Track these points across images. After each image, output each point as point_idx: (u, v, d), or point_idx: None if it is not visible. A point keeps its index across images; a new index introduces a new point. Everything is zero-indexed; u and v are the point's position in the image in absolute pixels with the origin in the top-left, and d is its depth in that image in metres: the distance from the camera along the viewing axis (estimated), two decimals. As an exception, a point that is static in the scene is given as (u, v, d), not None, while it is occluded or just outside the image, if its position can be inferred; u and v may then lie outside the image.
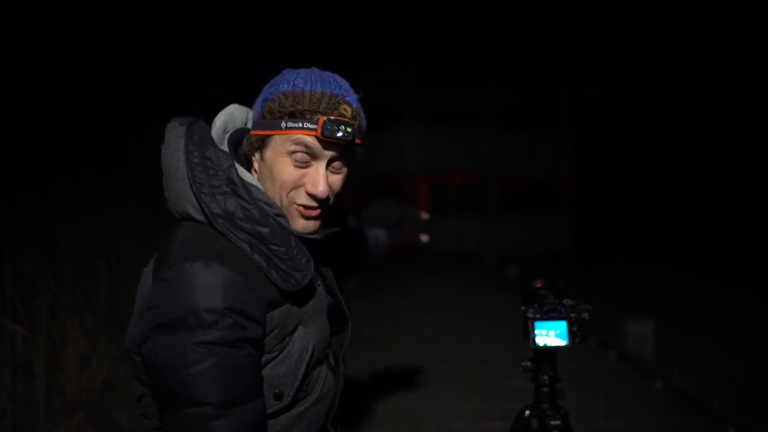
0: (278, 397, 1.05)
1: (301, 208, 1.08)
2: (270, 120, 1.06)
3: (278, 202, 1.07)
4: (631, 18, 27.05)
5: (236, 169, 1.05)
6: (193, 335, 0.94)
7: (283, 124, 1.04)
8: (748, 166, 23.08)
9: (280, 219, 1.06)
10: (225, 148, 1.13)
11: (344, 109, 1.06)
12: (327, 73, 1.10)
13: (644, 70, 26.68)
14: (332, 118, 1.03)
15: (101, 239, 3.92)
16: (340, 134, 1.03)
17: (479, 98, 19.57)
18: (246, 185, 1.04)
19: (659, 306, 8.28)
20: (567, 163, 20.37)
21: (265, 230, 1.02)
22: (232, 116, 1.17)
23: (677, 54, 26.01)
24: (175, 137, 1.07)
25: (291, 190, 1.07)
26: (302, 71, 1.09)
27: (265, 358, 1.04)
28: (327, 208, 1.11)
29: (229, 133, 1.16)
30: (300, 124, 1.03)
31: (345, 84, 1.11)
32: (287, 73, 1.09)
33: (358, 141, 1.09)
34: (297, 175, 1.06)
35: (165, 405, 0.98)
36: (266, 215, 1.04)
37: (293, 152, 1.05)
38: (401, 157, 19.14)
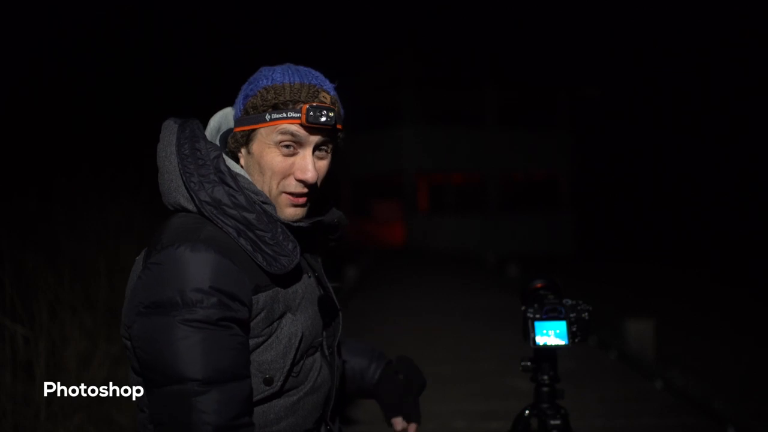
0: (268, 382, 1.07)
1: (290, 197, 1.12)
2: (254, 114, 1.10)
3: (267, 193, 1.12)
4: (631, 18, 27.03)
5: (224, 160, 1.10)
6: (178, 314, 0.97)
7: (268, 117, 1.08)
8: (749, 166, 23.08)
9: (266, 206, 1.10)
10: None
11: (323, 96, 1.11)
12: (302, 67, 1.15)
13: (644, 70, 26.66)
14: (314, 104, 1.08)
15: (101, 239, 3.92)
16: (323, 119, 1.07)
17: (479, 98, 19.58)
18: (233, 174, 1.09)
19: (659, 306, 8.28)
20: (567, 163, 20.37)
21: (251, 216, 1.06)
22: (226, 118, 1.22)
23: (677, 54, 26.00)
24: (169, 133, 1.12)
25: (281, 180, 1.11)
26: (278, 67, 1.13)
27: (253, 342, 1.06)
28: (314, 195, 1.15)
29: (222, 132, 1.21)
30: (284, 114, 1.08)
31: (320, 75, 1.15)
32: (264, 70, 1.14)
33: (339, 126, 1.13)
34: (286, 164, 1.10)
35: (151, 384, 1.01)
36: (252, 202, 1.08)
37: (280, 142, 1.09)
38: (401, 157, 19.14)
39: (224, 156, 1.12)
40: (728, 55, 25.30)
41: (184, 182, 1.07)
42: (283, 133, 1.08)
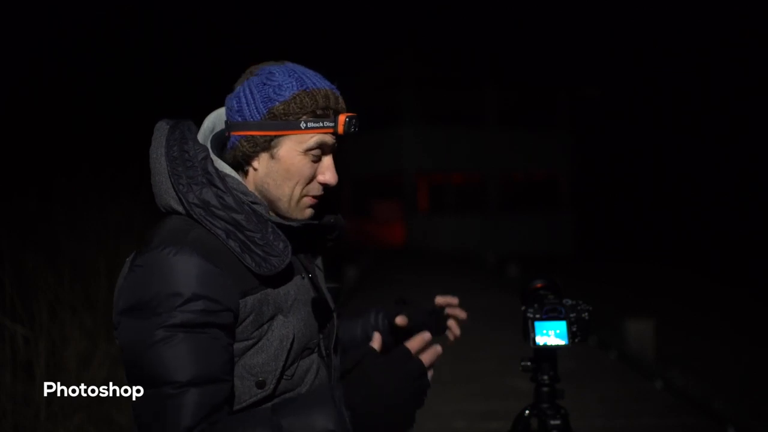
0: (260, 385, 1.07)
1: (311, 199, 1.14)
2: (284, 121, 1.08)
3: (288, 197, 1.12)
4: (631, 18, 27.04)
5: (212, 161, 1.10)
6: (159, 318, 0.97)
7: (303, 125, 1.08)
8: (749, 166, 23.08)
9: (255, 206, 1.10)
10: (208, 146, 1.16)
11: (342, 102, 1.13)
12: (305, 68, 1.15)
13: (644, 70, 26.66)
14: (350, 115, 1.10)
15: (101, 239, 3.92)
16: (353, 129, 1.10)
17: (479, 98, 19.57)
18: (221, 175, 1.09)
19: (659, 306, 8.28)
20: (566, 163, 20.37)
21: (240, 217, 1.06)
22: (220, 118, 1.20)
23: (677, 54, 26.00)
24: (160, 135, 1.12)
25: (306, 184, 1.12)
26: (286, 68, 1.12)
27: (243, 345, 1.06)
28: (324, 195, 1.17)
29: (215, 132, 1.20)
30: (321, 124, 1.08)
31: (322, 76, 1.16)
32: (277, 72, 1.11)
33: None
34: (313, 169, 1.12)
35: (130, 383, 1.01)
36: (241, 203, 1.08)
37: (311, 149, 1.10)
38: (401, 157, 19.14)
39: (213, 157, 1.11)
40: (728, 55, 25.30)
41: (172, 184, 1.07)
42: (319, 142, 1.09)
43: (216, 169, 1.08)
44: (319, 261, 1.32)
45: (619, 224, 21.40)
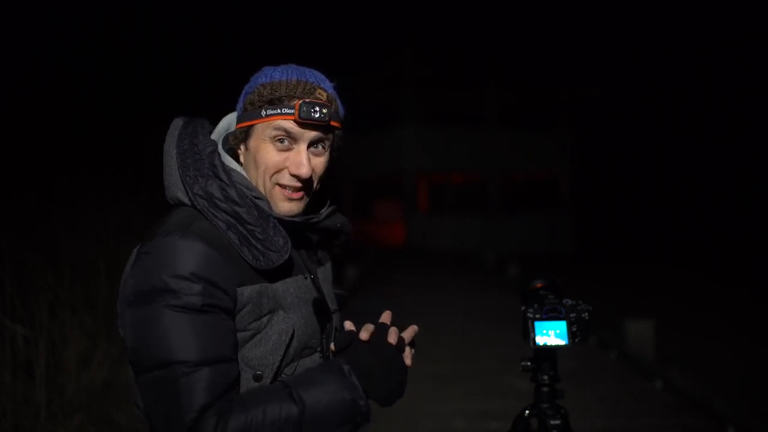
0: (257, 378, 1.08)
1: (285, 191, 1.13)
2: (251, 111, 1.12)
3: (262, 187, 1.13)
4: (631, 18, 27.04)
5: (219, 155, 1.13)
6: (164, 299, 0.99)
7: (263, 113, 1.10)
8: (749, 166, 23.07)
9: (258, 201, 1.11)
10: (219, 143, 1.19)
11: (320, 93, 1.12)
12: (303, 67, 1.17)
13: (644, 70, 26.64)
14: (308, 101, 1.09)
15: (101, 239, 3.92)
16: (316, 115, 1.08)
17: (479, 98, 19.57)
18: (227, 169, 1.11)
19: (659, 306, 8.28)
20: (566, 163, 20.37)
21: (242, 210, 1.08)
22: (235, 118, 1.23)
23: (677, 54, 25.99)
24: (173, 129, 1.15)
25: (274, 173, 1.13)
26: (280, 66, 1.15)
27: (241, 336, 1.07)
28: (310, 191, 1.16)
29: (229, 131, 1.22)
30: (278, 110, 1.09)
31: (320, 74, 1.17)
32: (266, 69, 1.16)
33: (335, 123, 1.14)
34: (280, 158, 1.12)
35: (138, 371, 1.02)
36: (244, 197, 1.10)
37: (274, 137, 1.11)
38: (401, 157, 19.14)
39: (221, 152, 1.14)
40: (728, 55, 25.29)
41: (180, 176, 1.10)
42: (277, 128, 1.10)
43: (222, 163, 1.11)
44: (328, 265, 1.33)
45: (619, 224, 21.39)
